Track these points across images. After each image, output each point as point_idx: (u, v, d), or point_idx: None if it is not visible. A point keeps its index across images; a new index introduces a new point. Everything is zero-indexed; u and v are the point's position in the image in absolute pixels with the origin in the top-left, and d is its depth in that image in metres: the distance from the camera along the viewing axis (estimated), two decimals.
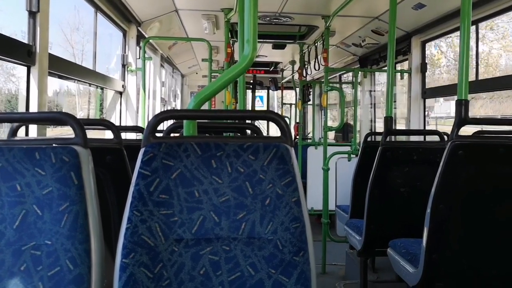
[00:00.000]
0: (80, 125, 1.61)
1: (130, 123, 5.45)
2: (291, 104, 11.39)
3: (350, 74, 8.35)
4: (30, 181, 1.51)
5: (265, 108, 12.73)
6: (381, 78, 7.42)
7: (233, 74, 1.85)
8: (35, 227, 1.50)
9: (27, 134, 2.84)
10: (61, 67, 3.50)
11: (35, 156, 1.52)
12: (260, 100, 12.38)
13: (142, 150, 1.55)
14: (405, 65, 5.84)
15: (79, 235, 1.50)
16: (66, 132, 4.44)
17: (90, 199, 1.55)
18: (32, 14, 2.82)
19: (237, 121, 2.77)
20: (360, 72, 6.25)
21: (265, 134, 8.13)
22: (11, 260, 1.48)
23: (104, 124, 2.63)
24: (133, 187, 1.52)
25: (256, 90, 11.02)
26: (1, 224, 1.50)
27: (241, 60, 1.84)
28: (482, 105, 7.54)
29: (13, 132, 2.13)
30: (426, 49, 5.50)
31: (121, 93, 5.40)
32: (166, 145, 1.55)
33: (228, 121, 2.79)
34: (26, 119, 2.08)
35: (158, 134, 1.63)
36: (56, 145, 1.56)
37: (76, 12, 4.76)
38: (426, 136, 5.04)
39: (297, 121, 9.18)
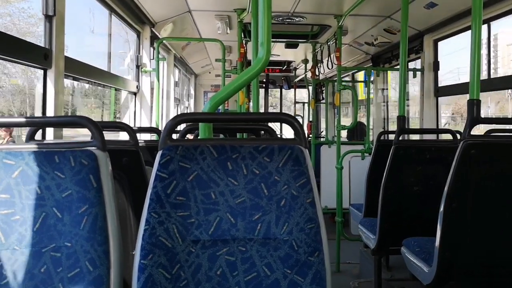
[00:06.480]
0: (99, 128, 1.63)
1: (144, 123, 5.50)
2: (304, 103, 11.36)
3: (363, 72, 8.33)
4: (50, 184, 1.54)
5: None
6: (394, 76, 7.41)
7: (248, 76, 1.87)
8: (55, 229, 1.53)
9: (43, 135, 2.89)
10: (77, 69, 3.54)
11: (55, 159, 1.55)
12: None
13: (159, 153, 1.57)
14: (417, 64, 5.82)
15: (98, 237, 1.53)
16: (79, 132, 4.50)
17: (109, 201, 1.57)
18: (48, 18, 2.87)
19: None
20: (372, 71, 6.24)
21: (278, 133, 8.14)
22: (32, 262, 1.51)
23: (121, 126, 2.66)
24: (151, 189, 1.54)
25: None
26: (21, 227, 1.53)
27: (255, 63, 1.85)
28: None
29: (31, 135, 2.17)
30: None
31: (135, 94, 5.45)
32: (183, 148, 1.57)
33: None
34: (46, 123, 2.12)
35: (173, 134, 1.66)
36: (75, 148, 1.59)
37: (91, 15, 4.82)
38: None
39: (310, 119, 9.16)
